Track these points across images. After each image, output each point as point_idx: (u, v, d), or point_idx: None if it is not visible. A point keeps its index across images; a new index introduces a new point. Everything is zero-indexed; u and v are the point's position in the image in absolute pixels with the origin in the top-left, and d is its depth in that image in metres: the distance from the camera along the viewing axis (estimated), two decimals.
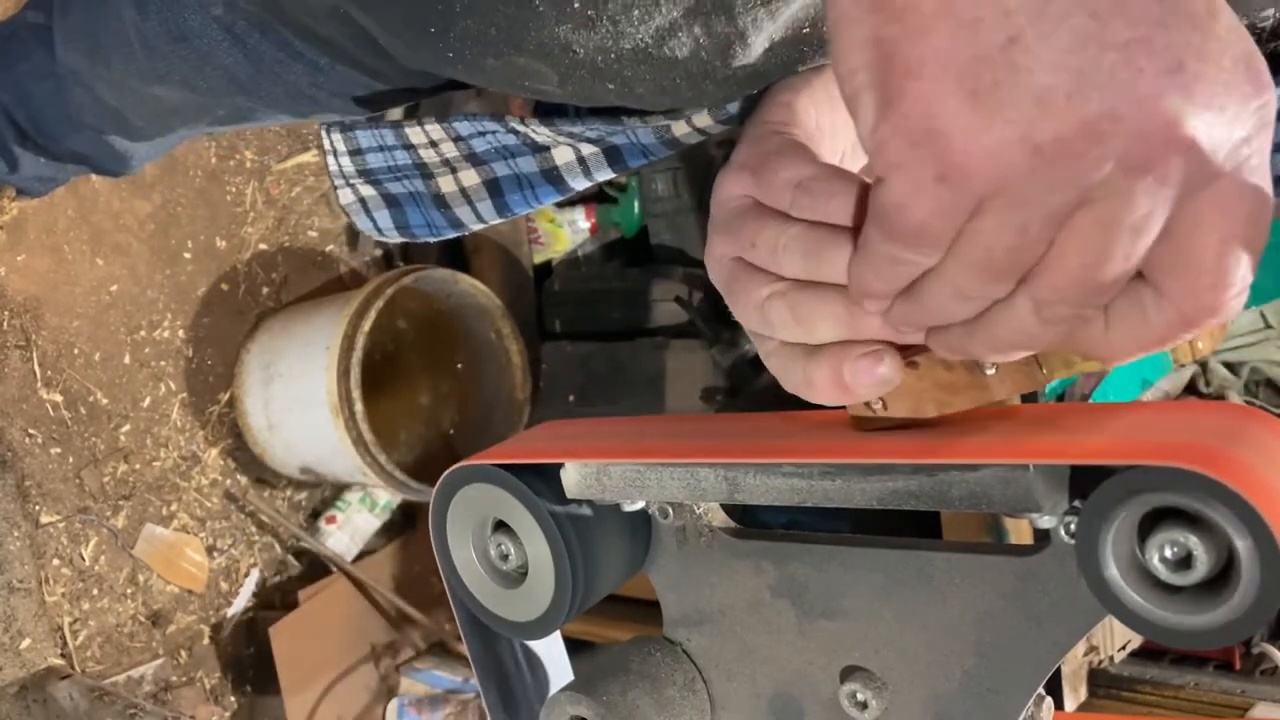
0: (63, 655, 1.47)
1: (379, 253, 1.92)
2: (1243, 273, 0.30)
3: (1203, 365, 1.50)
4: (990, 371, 0.38)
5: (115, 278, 1.57)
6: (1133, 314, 0.31)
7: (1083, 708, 1.33)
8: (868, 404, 0.41)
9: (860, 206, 0.36)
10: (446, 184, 0.65)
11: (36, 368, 1.47)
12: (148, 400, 1.61)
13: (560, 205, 1.93)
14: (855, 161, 0.47)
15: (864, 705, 0.44)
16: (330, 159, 0.67)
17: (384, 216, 0.69)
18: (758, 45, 0.44)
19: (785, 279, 0.39)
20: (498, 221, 0.66)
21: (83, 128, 0.92)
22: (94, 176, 1.53)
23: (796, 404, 0.45)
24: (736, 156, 0.42)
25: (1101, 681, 1.37)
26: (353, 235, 1.88)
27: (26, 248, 1.47)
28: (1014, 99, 0.27)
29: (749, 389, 1.59)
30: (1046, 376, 0.38)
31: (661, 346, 1.71)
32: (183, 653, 1.63)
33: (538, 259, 1.96)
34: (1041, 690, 0.42)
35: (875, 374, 0.38)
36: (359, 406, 1.50)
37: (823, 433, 0.44)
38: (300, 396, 1.57)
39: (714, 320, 1.61)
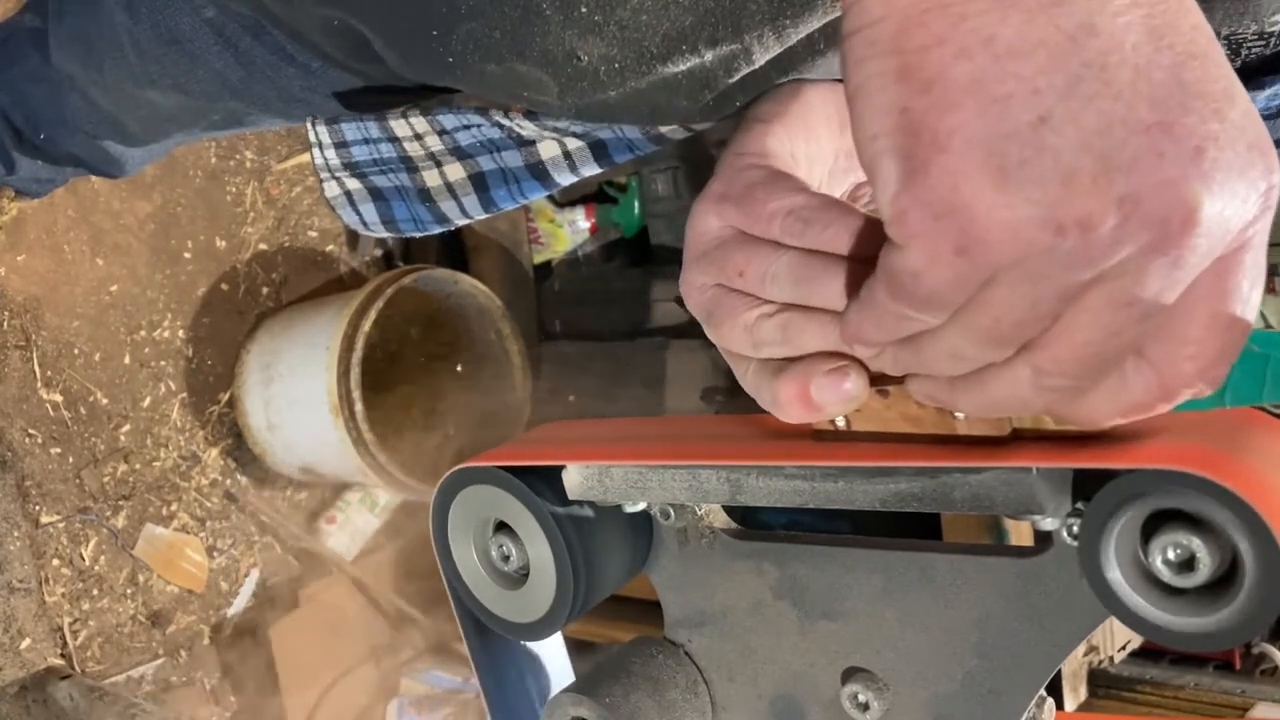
0: (63, 655, 1.47)
1: (379, 253, 1.92)
2: (1227, 349, 0.30)
3: None
4: (960, 416, 0.38)
5: (115, 278, 1.57)
6: (1115, 382, 0.31)
7: (1083, 708, 1.33)
8: (832, 422, 0.41)
9: (856, 237, 0.36)
10: (431, 178, 0.65)
11: (36, 368, 1.47)
12: (148, 400, 1.60)
13: (560, 205, 1.93)
14: (829, 191, 0.47)
15: (865, 706, 0.44)
16: (315, 151, 0.67)
17: (369, 210, 0.69)
18: (761, 63, 0.44)
19: (774, 303, 0.39)
20: (483, 216, 0.66)
21: (78, 131, 0.92)
22: (94, 177, 1.53)
23: None
24: (713, 187, 0.42)
25: (1101, 682, 1.37)
26: (353, 235, 1.88)
27: (26, 248, 1.47)
28: (1041, 178, 0.28)
29: None
30: (1013, 428, 0.38)
31: (661, 346, 1.71)
32: (183, 653, 1.63)
33: (538, 259, 1.96)
34: (1043, 692, 0.42)
35: (841, 390, 0.37)
36: (359, 406, 1.50)
37: (825, 434, 0.44)
38: (300, 396, 1.57)
39: None
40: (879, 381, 0.38)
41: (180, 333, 1.65)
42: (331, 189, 0.69)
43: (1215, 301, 0.30)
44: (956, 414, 0.38)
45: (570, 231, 1.93)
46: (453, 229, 0.68)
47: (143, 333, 1.60)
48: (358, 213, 0.69)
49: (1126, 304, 0.29)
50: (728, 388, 1.62)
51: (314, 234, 1.84)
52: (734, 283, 0.40)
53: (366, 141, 0.64)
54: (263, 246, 1.76)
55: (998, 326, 0.30)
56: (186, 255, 1.66)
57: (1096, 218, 0.28)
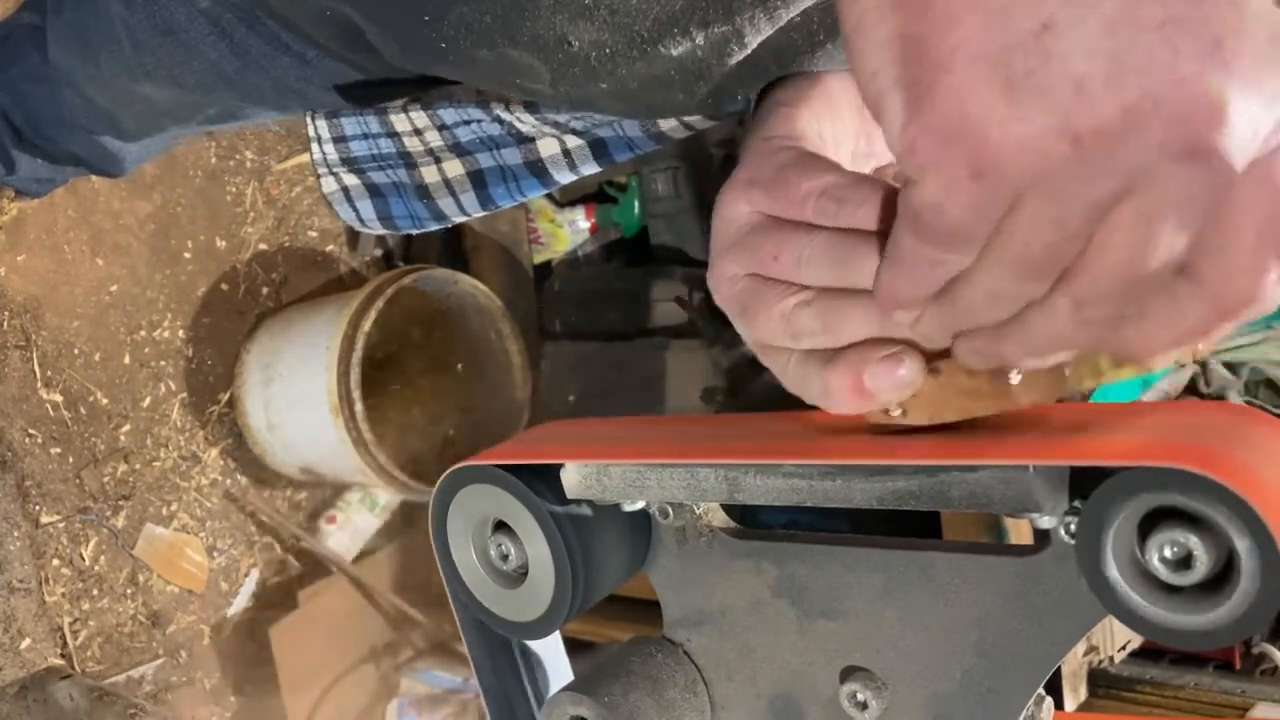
0: (63, 655, 1.47)
1: (379, 253, 1.92)
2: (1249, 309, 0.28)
3: (1203, 365, 1.50)
4: (1015, 379, 0.36)
5: (115, 278, 1.57)
6: (1166, 306, 0.29)
7: (1083, 708, 1.33)
8: (886, 411, 0.39)
9: (890, 211, 0.35)
10: (430, 174, 0.65)
11: (36, 368, 1.47)
12: (148, 400, 1.61)
13: (560, 205, 1.93)
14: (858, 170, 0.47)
15: (864, 705, 0.44)
16: (314, 146, 0.67)
17: (366, 206, 0.69)
18: (753, 46, 0.44)
19: (810, 288, 0.37)
20: (480, 214, 0.66)
21: (76, 128, 0.93)
22: (94, 177, 1.54)
23: (797, 404, 0.45)
24: (741, 173, 0.41)
25: (1101, 681, 1.37)
26: (353, 235, 1.88)
27: (26, 248, 1.47)
28: (1050, 87, 0.26)
29: (749, 389, 1.59)
30: (1075, 384, 0.36)
31: (661, 346, 1.71)
32: (183, 653, 1.63)
33: (538, 259, 1.96)
34: (1041, 690, 0.42)
35: (896, 376, 0.36)
36: (359, 406, 1.50)
37: (823, 433, 0.44)
38: (300, 396, 1.57)
39: (714, 320, 1.61)
40: (931, 360, 0.37)
41: (180, 333, 1.65)
42: (329, 185, 0.69)
43: (1264, 205, 0.27)
44: (1011, 379, 0.36)
45: (570, 231, 1.93)
46: (451, 226, 0.68)
47: (143, 333, 1.60)
48: (355, 209, 0.69)
49: (1160, 216, 0.27)
50: (728, 388, 1.62)
51: (314, 234, 1.84)
52: (768, 270, 0.39)
53: (366, 136, 0.64)
54: (263, 246, 1.76)
55: (1028, 253, 0.29)
56: (186, 255, 1.66)
57: (1114, 123, 0.26)
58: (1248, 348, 1.50)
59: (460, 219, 0.67)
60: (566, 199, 1.93)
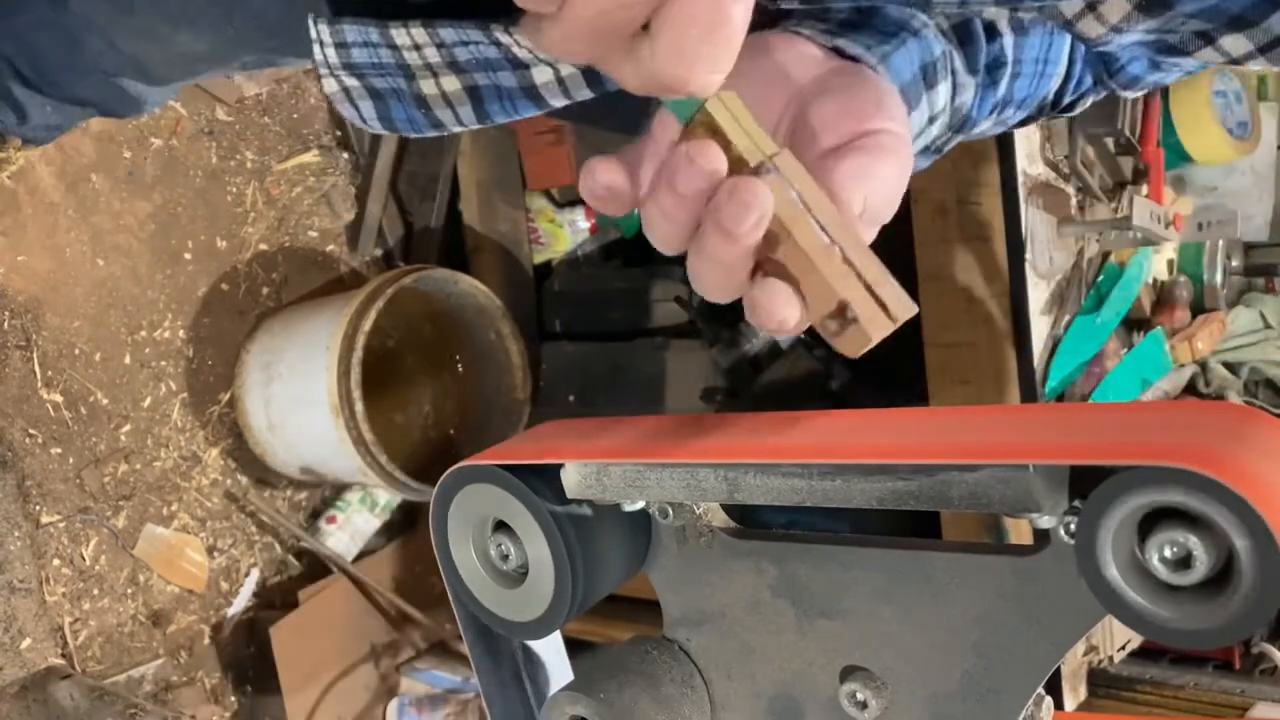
0: (63, 655, 1.47)
1: (379, 253, 1.92)
2: (708, 58, 0.36)
3: (1202, 365, 1.50)
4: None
5: (115, 278, 1.57)
6: (634, 52, 0.38)
7: (1082, 707, 1.33)
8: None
9: None
10: (428, 86, 0.65)
11: (37, 368, 1.47)
12: (148, 400, 1.61)
13: (560, 205, 1.93)
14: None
15: (864, 705, 0.44)
16: (315, 48, 0.67)
17: (367, 107, 0.70)
18: None
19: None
20: (477, 127, 0.67)
21: (93, 72, 0.93)
22: (95, 177, 1.54)
23: (797, 405, 0.45)
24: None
25: (1101, 681, 1.37)
26: (353, 235, 1.88)
27: (26, 248, 1.47)
28: None
29: (749, 389, 1.59)
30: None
31: (661, 346, 1.71)
32: (183, 653, 1.63)
33: (538, 259, 1.96)
34: (1041, 690, 0.42)
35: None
36: (359, 406, 1.50)
37: (823, 433, 0.44)
38: (300, 396, 1.57)
39: (714, 320, 1.61)
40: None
41: (180, 333, 1.65)
42: (330, 85, 0.69)
43: (708, 11, 0.35)
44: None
45: (570, 231, 1.93)
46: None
47: (143, 333, 1.60)
48: (356, 108, 0.70)
49: None
50: (728, 388, 1.62)
51: (314, 234, 1.84)
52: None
53: (366, 45, 0.65)
54: (263, 246, 1.76)
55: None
56: (186, 255, 1.66)
57: None
58: (1247, 348, 1.50)
59: (458, 129, 0.68)
60: (566, 199, 1.93)
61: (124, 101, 0.98)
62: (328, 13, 0.65)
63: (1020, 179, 1.28)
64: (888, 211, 0.44)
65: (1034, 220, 1.30)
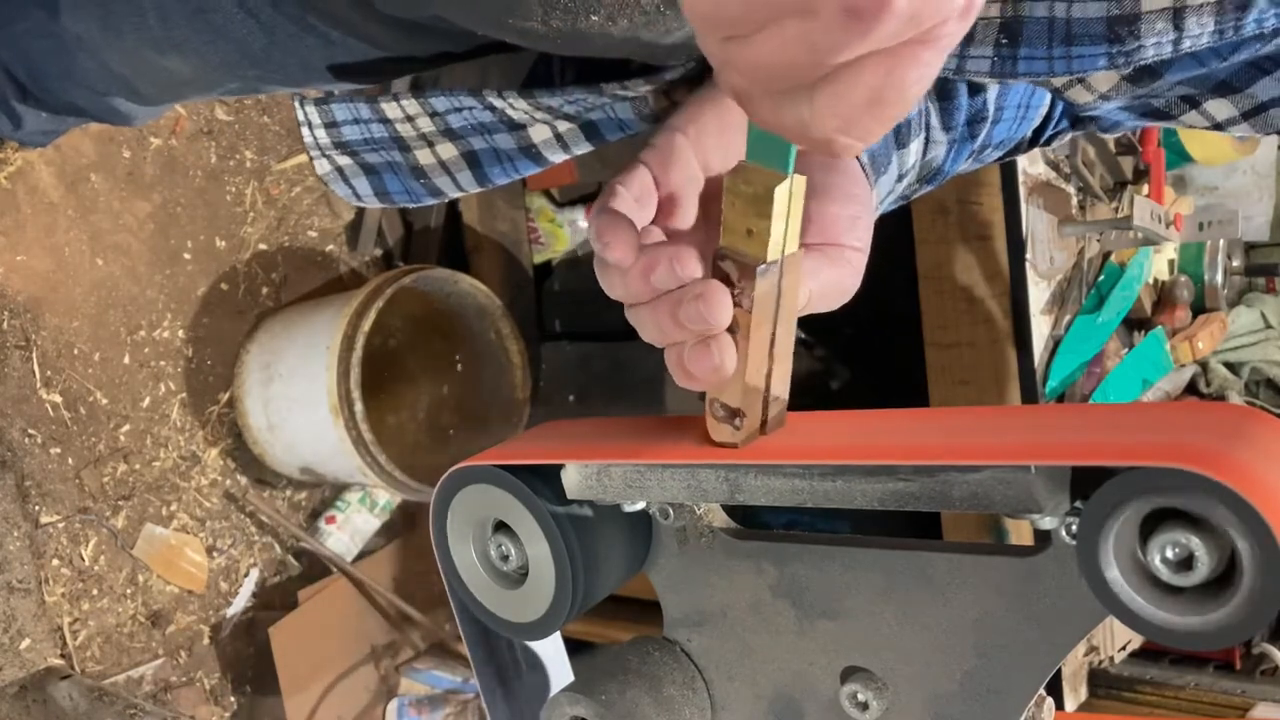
0: (63, 655, 1.47)
1: (379, 252, 1.92)
2: (869, 126, 0.34)
3: (1203, 365, 1.50)
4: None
5: (115, 278, 1.57)
6: (787, 102, 0.36)
7: (1083, 708, 1.33)
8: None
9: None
10: (424, 157, 0.65)
11: (36, 368, 1.47)
12: (148, 400, 1.60)
13: (560, 205, 1.93)
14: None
15: (865, 706, 0.44)
16: (305, 130, 0.67)
17: (362, 184, 0.70)
18: None
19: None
20: (478, 190, 0.67)
21: (84, 88, 0.93)
22: (94, 177, 1.54)
23: (797, 405, 0.45)
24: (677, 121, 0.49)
25: (1102, 682, 1.37)
26: (353, 235, 1.88)
27: (26, 248, 1.47)
28: None
29: None
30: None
31: None
32: (183, 653, 1.63)
33: (538, 259, 1.96)
34: (1042, 691, 0.42)
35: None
36: (359, 406, 1.50)
37: (823, 433, 0.44)
38: (300, 396, 1.57)
39: None
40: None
41: (180, 333, 1.65)
42: (322, 166, 0.69)
43: (878, 80, 0.33)
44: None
45: (570, 231, 1.93)
46: (448, 203, 0.68)
47: (143, 333, 1.60)
48: (350, 187, 0.70)
49: (808, 43, 0.32)
50: None
51: (314, 234, 1.84)
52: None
53: (357, 122, 0.65)
54: (263, 246, 1.76)
55: (720, 12, 0.34)
56: (186, 255, 1.66)
57: None
58: (1247, 348, 1.50)
59: (457, 194, 0.68)
60: (566, 199, 1.93)
61: (115, 115, 0.98)
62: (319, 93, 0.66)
63: (1021, 179, 1.28)
64: (827, 306, 0.49)
65: (1034, 220, 1.30)
